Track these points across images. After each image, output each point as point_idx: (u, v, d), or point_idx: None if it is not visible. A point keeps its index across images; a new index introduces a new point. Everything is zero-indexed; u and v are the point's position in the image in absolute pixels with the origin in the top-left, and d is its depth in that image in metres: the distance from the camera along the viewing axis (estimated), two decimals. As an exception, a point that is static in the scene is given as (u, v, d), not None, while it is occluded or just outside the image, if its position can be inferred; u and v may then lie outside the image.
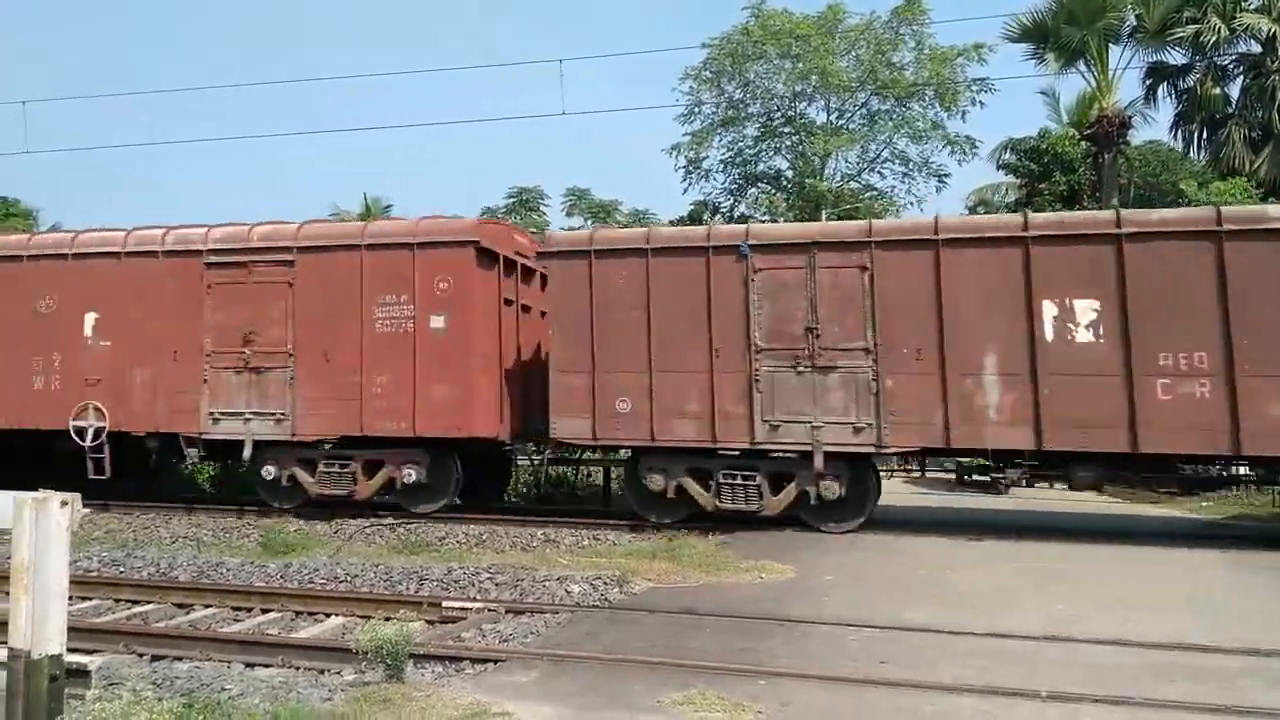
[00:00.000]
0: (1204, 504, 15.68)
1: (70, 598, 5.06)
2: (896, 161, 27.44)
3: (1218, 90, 21.44)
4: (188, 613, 8.77)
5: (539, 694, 5.77)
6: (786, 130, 27.46)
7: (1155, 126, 40.12)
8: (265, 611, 8.65)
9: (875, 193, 26.95)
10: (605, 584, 9.01)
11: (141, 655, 7.24)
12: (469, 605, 8.26)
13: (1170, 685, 5.74)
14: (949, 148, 26.52)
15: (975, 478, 15.42)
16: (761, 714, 5.35)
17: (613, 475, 15.91)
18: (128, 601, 9.04)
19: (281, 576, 9.87)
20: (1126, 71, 23.77)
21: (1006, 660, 6.36)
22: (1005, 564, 9.86)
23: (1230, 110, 21.31)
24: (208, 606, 8.84)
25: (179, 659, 7.16)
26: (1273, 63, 20.04)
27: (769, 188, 28.42)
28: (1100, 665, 6.23)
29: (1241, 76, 21.36)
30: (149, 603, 8.94)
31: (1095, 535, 11.79)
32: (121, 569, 10.36)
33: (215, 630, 8.07)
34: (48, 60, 76.66)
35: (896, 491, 17.11)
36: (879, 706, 5.49)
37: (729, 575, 9.34)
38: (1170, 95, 22.40)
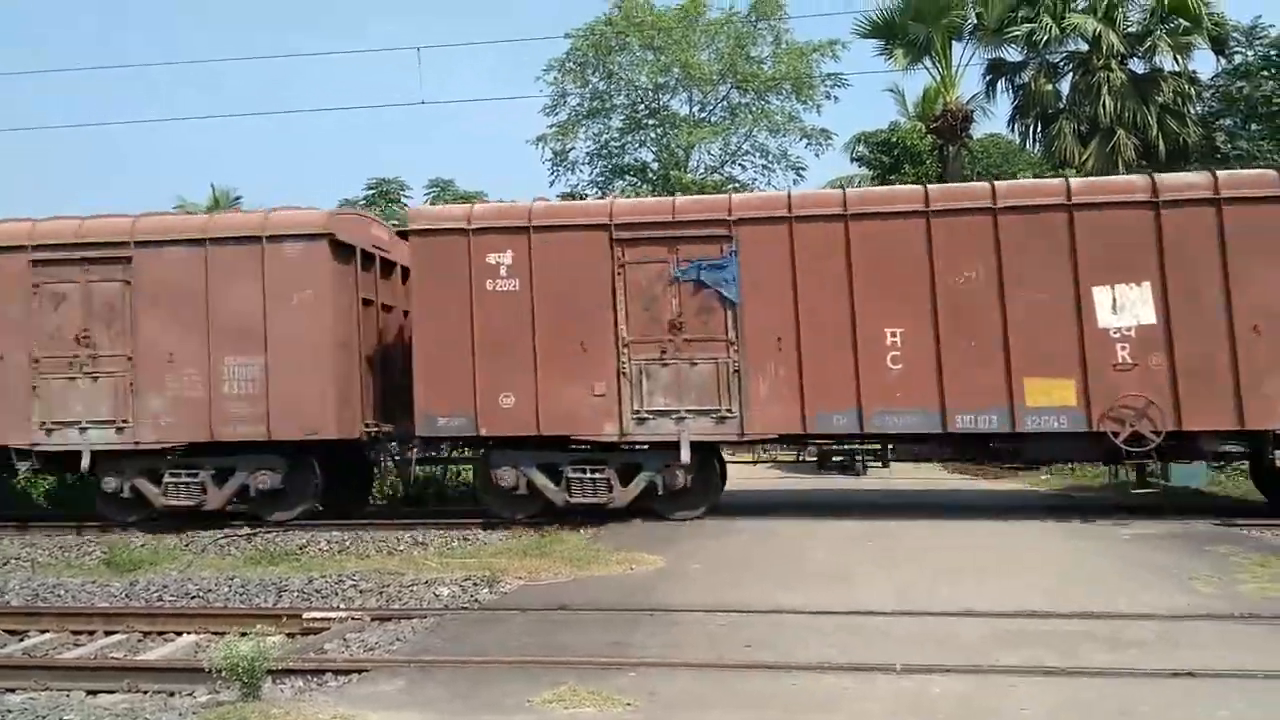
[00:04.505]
0: (1043, 477, 16.72)
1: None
2: (757, 154, 28.17)
3: (1050, 86, 22.74)
4: (21, 639, 8.15)
5: (406, 701, 5.63)
6: (651, 122, 27.73)
7: (995, 120, 42.34)
8: (109, 634, 8.13)
9: (737, 185, 27.49)
10: (475, 585, 8.88)
11: (-33, 689, 6.70)
12: (331, 615, 7.99)
13: (1015, 651, 6.10)
14: (805, 140, 27.41)
15: (835, 460, 15.97)
16: (630, 705, 5.38)
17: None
18: (-49, 632, 8.32)
19: (127, 595, 9.30)
20: (969, 68, 24.99)
21: (865, 636, 6.60)
22: (864, 542, 10.25)
23: (1061, 105, 22.66)
24: (44, 631, 8.24)
25: (10, 690, 6.64)
26: (1098, 60, 21.40)
27: (635, 179, 28.62)
28: (952, 635, 6.55)
29: (1071, 73, 22.72)
30: (-25, 632, 8.27)
31: (948, 511, 12.39)
32: (-57, 597, 9.54)
33: (52, 657, 7.53)
34: None
35: (764, 476, 17.55)
36: (744, 689, 5.61)
37: (600, 568, 9.36)
38: (1008, 90, 23.64)
